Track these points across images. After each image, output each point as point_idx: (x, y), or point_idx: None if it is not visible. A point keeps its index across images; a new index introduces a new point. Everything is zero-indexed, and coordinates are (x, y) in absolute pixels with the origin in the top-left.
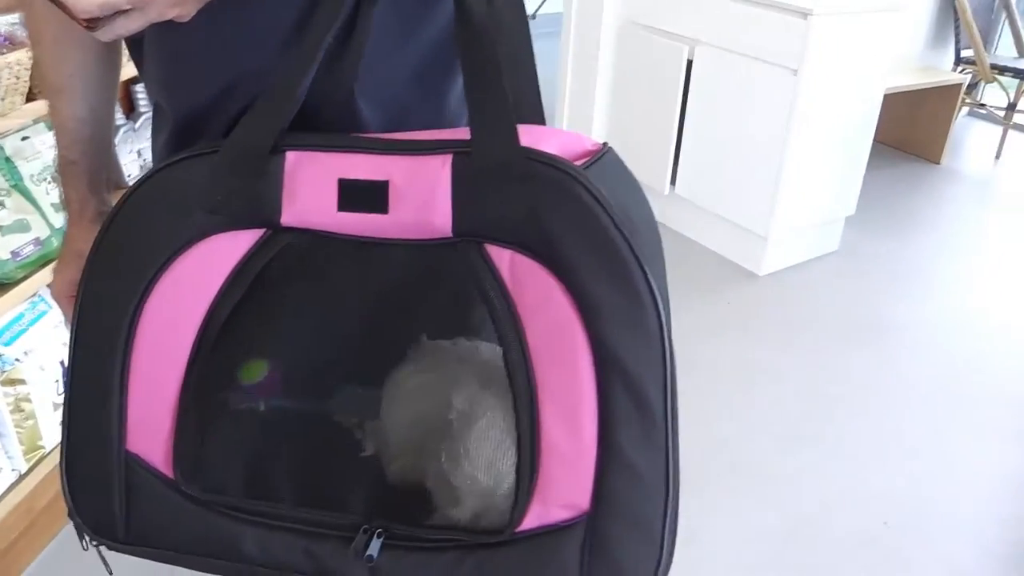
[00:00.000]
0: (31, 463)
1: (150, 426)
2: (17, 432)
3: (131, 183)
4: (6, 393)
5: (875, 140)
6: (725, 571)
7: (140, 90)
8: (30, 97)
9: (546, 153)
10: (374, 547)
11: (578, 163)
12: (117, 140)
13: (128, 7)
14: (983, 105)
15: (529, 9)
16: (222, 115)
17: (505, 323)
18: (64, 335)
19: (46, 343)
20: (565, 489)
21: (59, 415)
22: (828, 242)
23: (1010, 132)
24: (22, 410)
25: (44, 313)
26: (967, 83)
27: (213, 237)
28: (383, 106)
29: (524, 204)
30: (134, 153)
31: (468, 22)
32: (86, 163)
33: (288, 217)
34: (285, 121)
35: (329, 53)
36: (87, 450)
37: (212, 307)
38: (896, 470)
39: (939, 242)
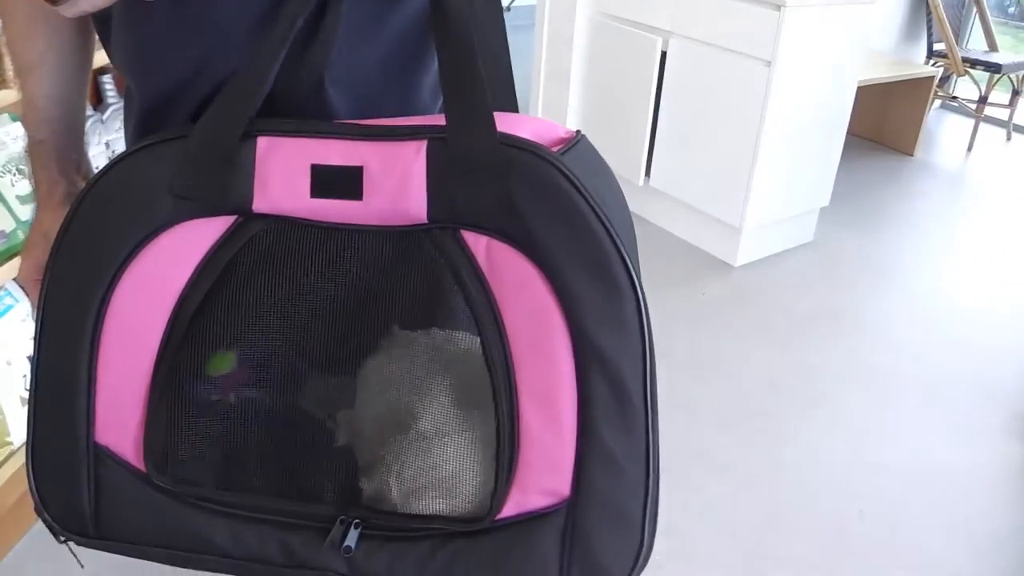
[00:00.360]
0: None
1: (119, 417)
2: None
3: None
4: None
5: (849, 132)
6: (702, 562)
7: (108, 81)
8: None
9: (522, 138)
10: (351, 538)
11: (553, 150)
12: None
13: None
14: (955, 98)
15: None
16: (189, 99)
17: (482, 309)
18: (32, 329)
19: (13, 337)
20: (544, 476)
21: (27, 411)
22: (802, 233)
23: (981, 125)
24: None
25: (11, 307)
26: (939, 76)
27: (183, 224)
28: (354, 94)
29: (500, 190)
30: (102, 145)
31: (443, 7)
32: (56, 143)
33: (260, 204)
34: (255, 106)
35: (299, 39)
36: (54, 442)
37: (182, 296)
38: (870, 461)
39: (912, 233)
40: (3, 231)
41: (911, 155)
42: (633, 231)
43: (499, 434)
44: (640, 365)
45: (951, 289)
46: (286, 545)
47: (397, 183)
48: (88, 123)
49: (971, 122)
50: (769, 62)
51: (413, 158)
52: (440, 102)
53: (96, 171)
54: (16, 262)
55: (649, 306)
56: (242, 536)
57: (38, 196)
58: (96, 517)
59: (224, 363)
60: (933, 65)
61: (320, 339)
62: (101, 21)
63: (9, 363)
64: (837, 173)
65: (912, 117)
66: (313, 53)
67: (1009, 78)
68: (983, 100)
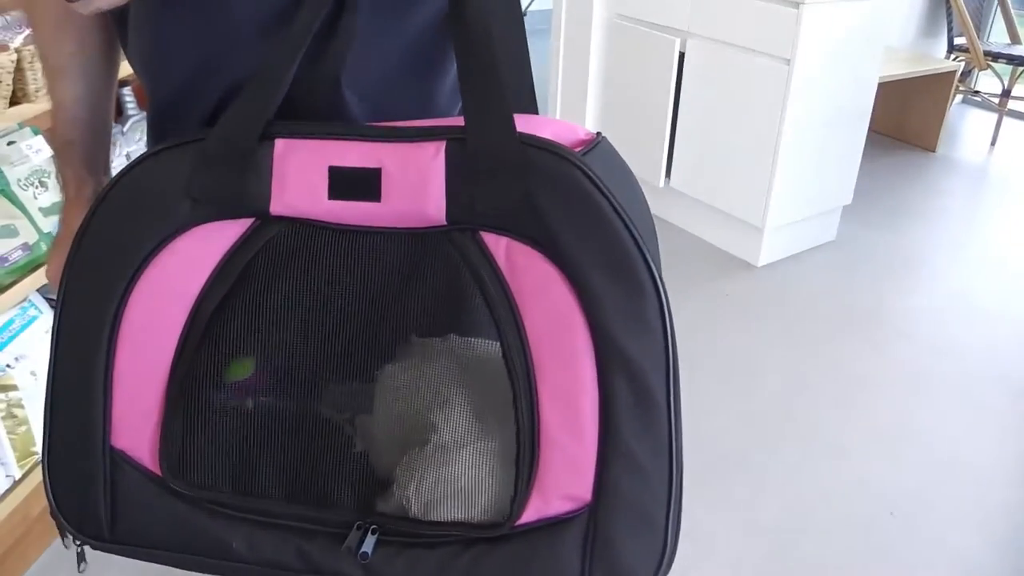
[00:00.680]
0: (24, 470)
1: (136, 421)
2: (10, 439)
3: None
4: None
5: (870, 129)
6: (727, 565)
7: (128, 94)
8: (14, 101)
9: (543, 139)
10: (368, 544)
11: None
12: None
13: None
14: (977, 92)
15: None
16: (202, 101)
17: (502, 312)
18: None
19: (37, 348)
20: (565, 480)
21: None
22: (825, 232)
23: (1005, 119)
24: (15, 416)
25: (35, 318)
26: (961, 71)
27: (199, 228)
28: (370, 97)
29: (521, 191)
30: (123, 157)
31: (462, 7)
32: (83, 143)
33: (277, 206)
34: (272, 108)
35: (316, 41)
36: (70, 446)
37: (199, 299)
38: (898, 460)
39: (936, 230)
40: (26, 243)
41: (933, 151)
42: (655, 233)
43: (519, 439)
44: (663, 366)
45: (976, 286)
46: (303, 551)
47: (415, 184)
48: None
49: (994, 116)
50: (788, 60)
51: (431, 159)
52: (458, 107)
53: None
54: (40, 273)
55: (672, 307)
56: (258, 542)
57: (67, 195)
58: (112, 521)
59: (242, 369)
60: (954, 59)
61: (338, 343)
62: (119, 22)
63: (34, 374)
64: (859, 171)
65: (934, 113)
66: (329, 55)
67: None
68: (1006, 94)
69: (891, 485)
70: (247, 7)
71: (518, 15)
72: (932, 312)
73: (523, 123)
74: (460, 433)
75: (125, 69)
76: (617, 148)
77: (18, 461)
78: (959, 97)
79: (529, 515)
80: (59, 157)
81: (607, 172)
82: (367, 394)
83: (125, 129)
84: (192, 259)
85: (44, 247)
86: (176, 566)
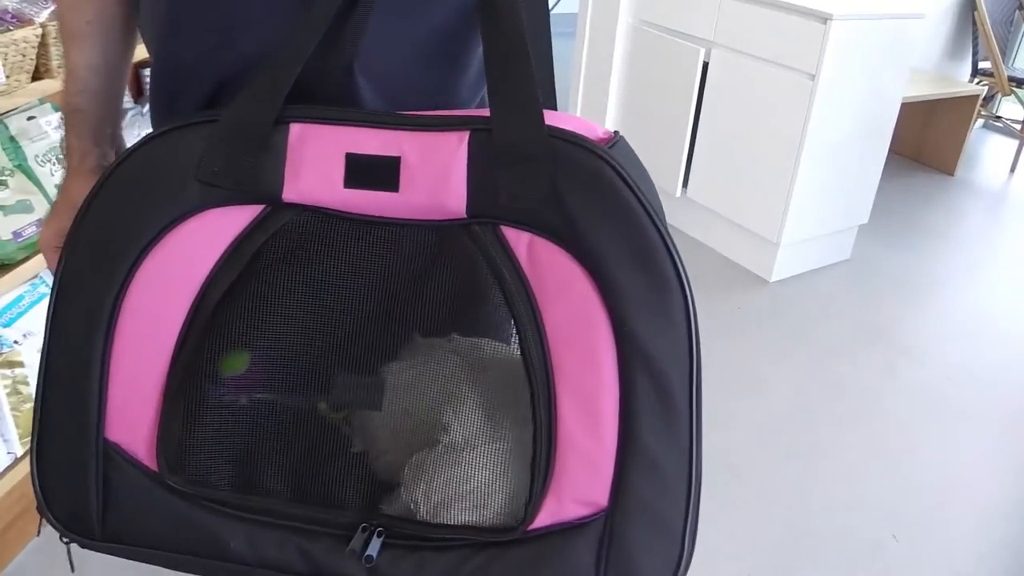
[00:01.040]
0: (27, 447)
1: (133, 413)
2: (13, 415)
3: None
4: (4, 375)
5: (889, 150)
6: None
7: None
8: (36, 76)
9: (571, 132)
10: (374, 547)
11: None
12: (124, 124)
13: None
14: (999, 118)
15: None
16: (210, 76)
17: (522, 308)
18: None
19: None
20: (582, 485)
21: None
22: (840, 251)
23: None
24: (19, 393)
25: (45, 295)
26: (984, 95)
27: (208, 212)
28: (385, 85)
29: (547, 183)
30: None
31: None
32: (92, 113)
33: (290, 193)
34: (286, 91)
35: (331, 26)
36: (61, 437)
37: (204, 287)
38: (904, 483)
39: (951, 254)
40: (40, 219)
41: (952, 174)
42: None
43: (536, 439)
44: (687, 368)
45: (990, 310)
46: (305, 552)
47: (436, 175)
48: (128, 116)
49: (1015, 143)
50: (813, 75)
51: (454, 149)
52: (476, 101)
53: None
54: None
55: (698, 316)
56: (259, 542)
57: (69, 164)
58: (103, 518)
59: (237, 363)
60: (978, 83)
61: (348, 338)
62: None
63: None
64: (876, 191)
65: (954, 136)
66: (345, 40)
67: None
68: None
69: (895, 508)
70: (274, 28)
71: (545, 8)
72: (944, 335)
73: (545, 117)
74: (472, 433)
75: (144, 51)
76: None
77: (20, 438)
78: (980, 121)
79: (543, 519)
80: (66, 125)
81: (629, 169)
82: (373, 391)
83: (144, 110)
84: (199, 244)
85: None
86: (170, 567)
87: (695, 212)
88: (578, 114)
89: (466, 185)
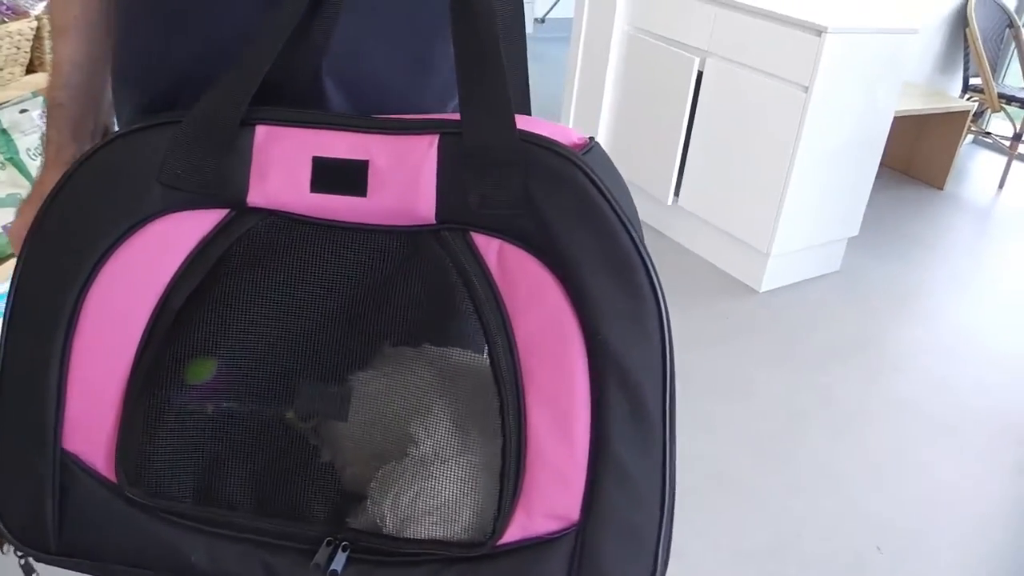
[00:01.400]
0: None
1: (91, 422)
2: None
3: None
4: None
5: (880, 163)
6: None
7: None
8: (30, 69)
9: (544, 137)
10: (338, 561)
11: None
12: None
13: None
14: (989, 134)
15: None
16: (163, 61)
17: (491, 316)
18: None
19: None
20: (553, 498)
21: None
22: (830, 262)
23: (1014, 162)
24: None
25: None
26: (974, 111)
27: (171, 215)
28: (352, 89)
29: (517, 188)
30: None
31: None
32: (73, 108)
33: (255, 196)
34: (252, 91)
35: (298, 26)
36: (16, 444)
37: (166, 292)
38: (888, 494)
39: (940, 267)
40: None
41: (941, 189)
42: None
43: (505, 451)
44: (661, 378)
45: (977, 324)
46: (269, 567)
47: (405, 179)
48: None
49: (1004, 159)
50: (806, 87)
51: (424, 153)
52: (449, 107)
53: None
54: None
55: (671, 326)
56: (221, 555)
57: (46, 156)
58: (60, 531)
59: (203, 370)
60: (968, 99)
61: (315, 346)
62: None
63: None
64: (867, 203)
65: (944, 151)
66: (309, 42)
67: None
68: (1018, 137)
69: (880, 519)
70: (234, 16)
71: (520, 10)
72: (932, 347)
73: (518, 122)
74: (441, 446)
75: None
76: (627, 163)
77: None
78: (970, 137)
79: (513, 533)
80: (48, 119)
81: (603, 176)
82: (339, 401)
83: None
84: (162, 248)
85: None
86: None
87: (685, 221)
88: (571, 119)
89: (436, 190)
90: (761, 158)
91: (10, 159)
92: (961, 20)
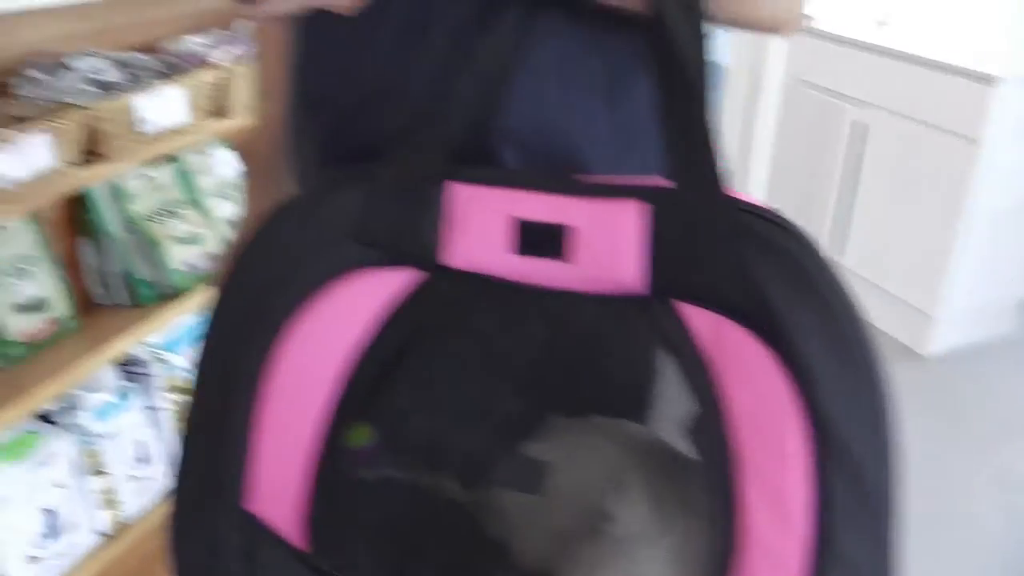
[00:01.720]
0: None
1: (277, 484)
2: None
3: None
4: (172, 400)
5: None
6: None
7: None
8: (214, 115)
9: (761, 205)
10: None
11: None
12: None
13: None
14: None
15: None
16: (363, 128)
17: (701, 393)
18: None
19: None
20: None
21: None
22: (1002, 325)
23: None
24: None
25: None
26: None
27: (360, 273)
28: (530, 152)
29: (735, 261)
30: None
31: (669, 41)
32: (273, 161)
33: (449, 257)
34: (448, 148)
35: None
36: (197, 500)
37: (353, 354)
38: None
39: None
40: (211, 253)
41: None
42: None
43: (715, 534)
44: (888, 463)
45: None
46: None
47: (609, 246)
48: None
49: None
50: (974, 140)
51: (631, 220)
52: (627, 163)
53: None
54: None
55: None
56: None
57: (246, 208)
58: None
59: (360, 436)
60: None
61: (505, 415)
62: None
63: None
64: None
65: None
66: (490, 96)
67: None
68: None
69: None
70: (382, 57)
71: (709, 68)
72: None
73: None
74: (642, 524)
75: None
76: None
77: None
78: None
79: None
80: (248, 168)
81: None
82: (529, 473)
83: None
84: (351, 306)
85: None
86: None
87: (847, 278)
88: None
89: (643, 258)
90: (928, 213)
91: (192, 200)
92: None
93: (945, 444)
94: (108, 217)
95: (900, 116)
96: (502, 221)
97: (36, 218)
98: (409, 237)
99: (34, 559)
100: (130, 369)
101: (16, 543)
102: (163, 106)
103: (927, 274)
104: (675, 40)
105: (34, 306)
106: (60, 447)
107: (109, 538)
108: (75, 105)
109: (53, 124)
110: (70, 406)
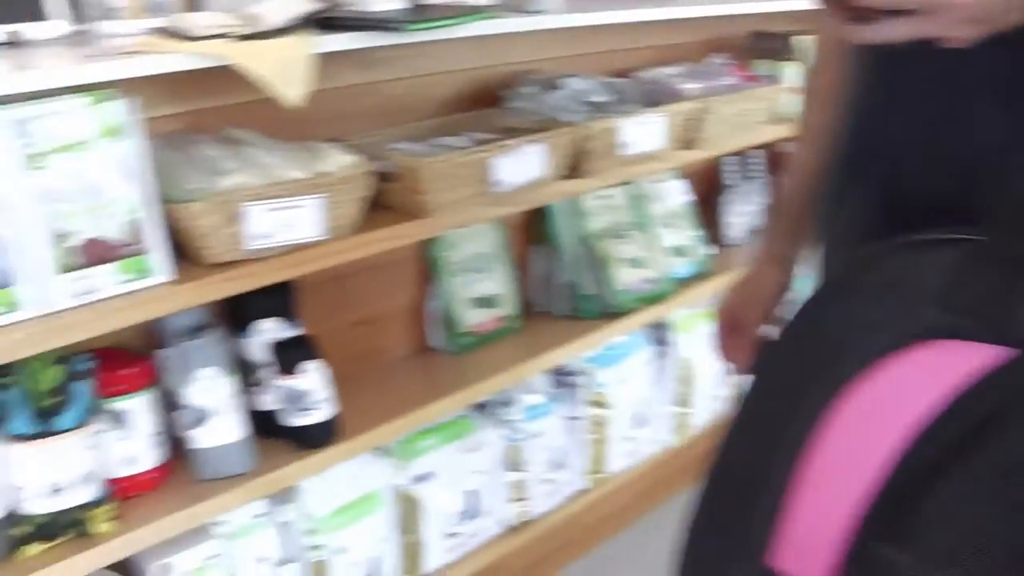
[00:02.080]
0: (593, 481)
1: (811, 544)
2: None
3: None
4: (590, 412)
5: None
6: None
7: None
8: (684, 146)
9: None
10: None
11: None
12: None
13: (911, 7)
14: None
15: None
16: (936, 187)
17: None
18: (649, 375)
19: (632, 378)
20: None
21: (626, 447)
22: None
23: None
24: (596, 431)
25: (638, 350)
26: None
27: (934, 343)
28: None
29: None
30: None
31: None
32: (796, 208)
33: None
34: None
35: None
36: (718, 546)
37: (918, 429)
38: None
39: None
40: (651, 278)
41: None
42: None
43: None
44: None
45: None
46: None
47: None
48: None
49: None
50: None
51: None
52: None
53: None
54: (658, 309)
55: None
56: None
57: (762, 249)
58: None
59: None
60: None
61: None
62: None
63: (622, 400)
64: None
65: None
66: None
67: None
68: None
69: None
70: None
71: None
72: None
73: None
74: None
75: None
76: None
77: (587, 472)
78: None
79: None
80: (771, 211)
81: None
82: None
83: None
84: (919, 378)
85: (664, 288)
86: None
87: None
88: None
89: None
90: None
91: (641, 225)
92: None
93: None
94: (564, 230)
95: None
96: None
97: (501, 222)
98: (1005, 310)
99: (451, 535)
100: (560, 377)
101: (438, 516)
102: (644, 131)
103: None
104: None
105: (487, 302)
106: (489, 437)
107: (511, 530)
108: (564, 121)
109: (549, 137)
110: (504, 401)
